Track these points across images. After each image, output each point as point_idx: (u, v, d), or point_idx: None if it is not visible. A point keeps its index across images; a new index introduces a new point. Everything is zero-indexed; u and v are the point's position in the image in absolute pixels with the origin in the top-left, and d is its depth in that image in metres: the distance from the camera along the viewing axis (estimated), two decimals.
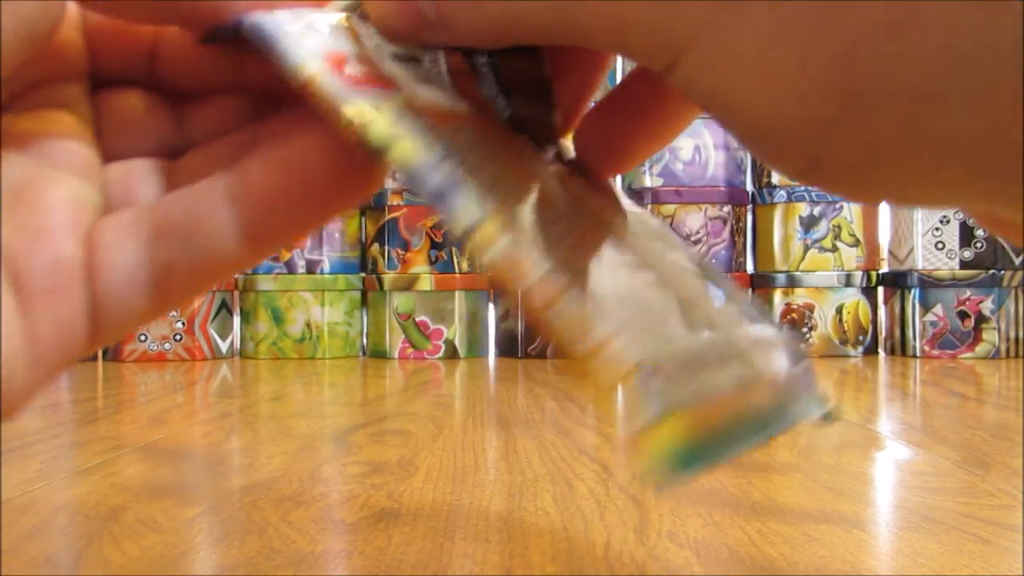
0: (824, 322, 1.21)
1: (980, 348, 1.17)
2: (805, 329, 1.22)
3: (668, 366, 0.13)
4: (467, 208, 0.13)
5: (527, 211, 0.14)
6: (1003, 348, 1.17)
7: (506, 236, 0.13)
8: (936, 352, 1.18)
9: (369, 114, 0.14)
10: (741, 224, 1.25)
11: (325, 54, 0.16)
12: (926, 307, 1.19)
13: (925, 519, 0.33)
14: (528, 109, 0.18)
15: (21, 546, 0.30)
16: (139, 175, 0.18)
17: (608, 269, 0.14)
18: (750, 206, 1.28)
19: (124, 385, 0.89)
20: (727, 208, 1.23)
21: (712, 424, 0.12)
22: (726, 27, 0.14)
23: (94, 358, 1.21)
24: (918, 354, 1.19)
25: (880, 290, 1.26)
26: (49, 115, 0.18)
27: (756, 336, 0.15)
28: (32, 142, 0.17)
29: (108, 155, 0.19)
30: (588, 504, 0.35)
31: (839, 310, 1.21)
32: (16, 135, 0.17)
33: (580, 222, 0.15)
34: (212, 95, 0.19)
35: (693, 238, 1.21)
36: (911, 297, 1.20)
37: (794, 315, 1.22)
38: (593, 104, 0.21)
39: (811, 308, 1.22)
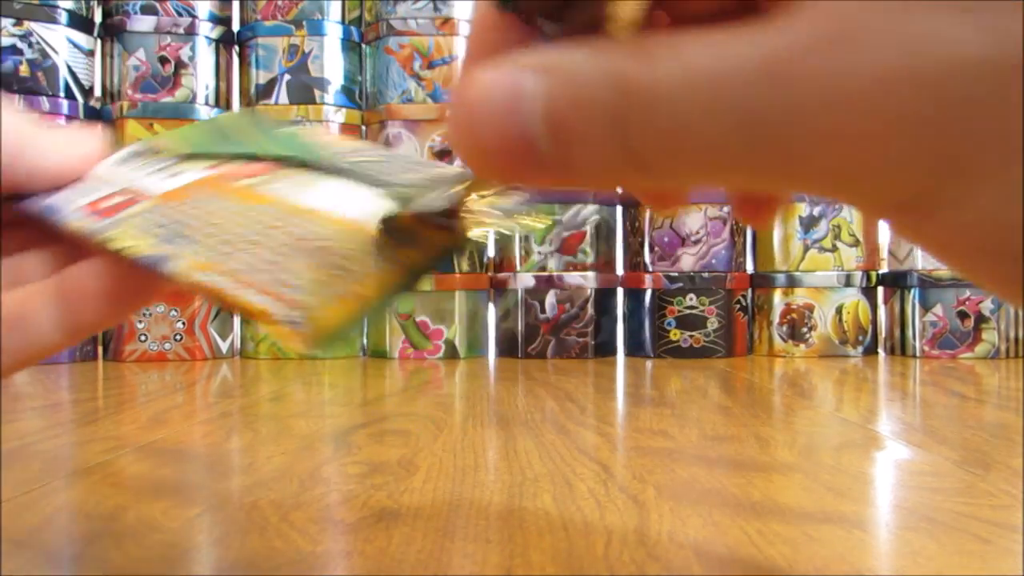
0: (824, 322, 1.21)
1: (980, 348, 1.17)
2: (805, 329, 1.22)
3: (296, 303, 0.20)
4: (169, 267, 0.21)
5: (211, 250, 0.21)
6: (1003, 348, 1.17)
7: (197, 276, 0.21)
8: (936, 352, 1.18)
9: (109, 235, 0.22)
10: (741, 224, 1.25)
11: (87, 207, 0.23)
12: (926, 307, 1.19)
13: (925, 519, 0.33)
14: None
15: (21, 546, 0.30)
16: None
17: (256, 254, 0.21)
18: None
19: (124, 385, 0.89)
20: (727, 208, 1.22)
21: (340, 316, 0.20)
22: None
23: (94, 358, 1.21)
24: (918, 354, 1.19)
25: (880, 290, 1.26)
26: None
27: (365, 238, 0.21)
28: None
29: None
30: (588, 504, 0.35)
31: (839, 310, 1.21)
32: None
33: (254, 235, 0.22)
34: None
35: (693, 238, 1.21)
36: (911, 297, 1.20)
37: (794, 315, 1.22)
38: None
39: (811, 308, 1.22)
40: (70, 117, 1.15)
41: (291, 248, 0.21)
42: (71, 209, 0.23)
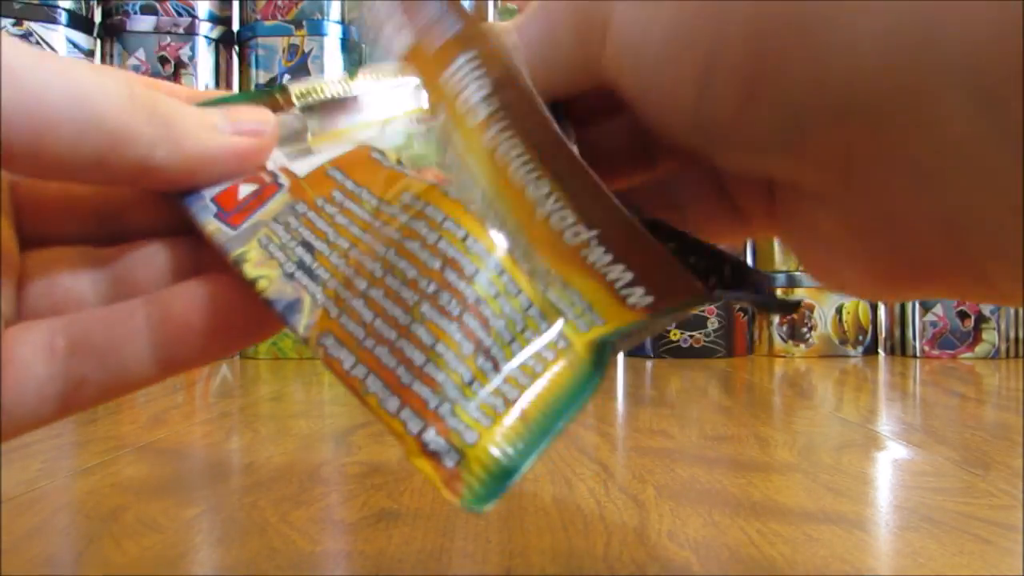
0: (824, 322, 1.21)
1: (980, 348, 1.17)
2: (805, 329, 1.22)
3: (447, 426, 0.15)
4: (299, 325, 0.17)
5: (347, 314, 0.17)
6: (1003, 348, 1.17)
7: (324, 343, 0.16)
8: (936, 352, 1.18)
9: (241, 257, 0.18)
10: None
11: (222, 198, 0.19)
12: (926, 307, 1.19)
13: (925, 519, 0.33)
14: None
15: (21, 546, 0.30)
16: (65, 276, 0.18)
17: (408, 353, 0.16)
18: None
19: None
20: None
21: (498, 454, 0.14)
22: (634, 17, 0.16)
23: None
24: (918, 354, 1.19)
25: None
26: None
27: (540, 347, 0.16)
28: None
29: (30, 242, 0.19)
30: (588, 504, 0.35)
31: (839, 310, 1.21)
32: None
33: (404, 312, 0.16)
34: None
35: None
36: None
37: (794, 315, 1.22)
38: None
39: (811, 308, 1.22)
40: None
41: (453, 321, 0.16)
42: (207, 200, 0.19)
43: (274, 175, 0.19)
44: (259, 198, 0.19)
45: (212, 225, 0.18)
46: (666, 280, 0.16)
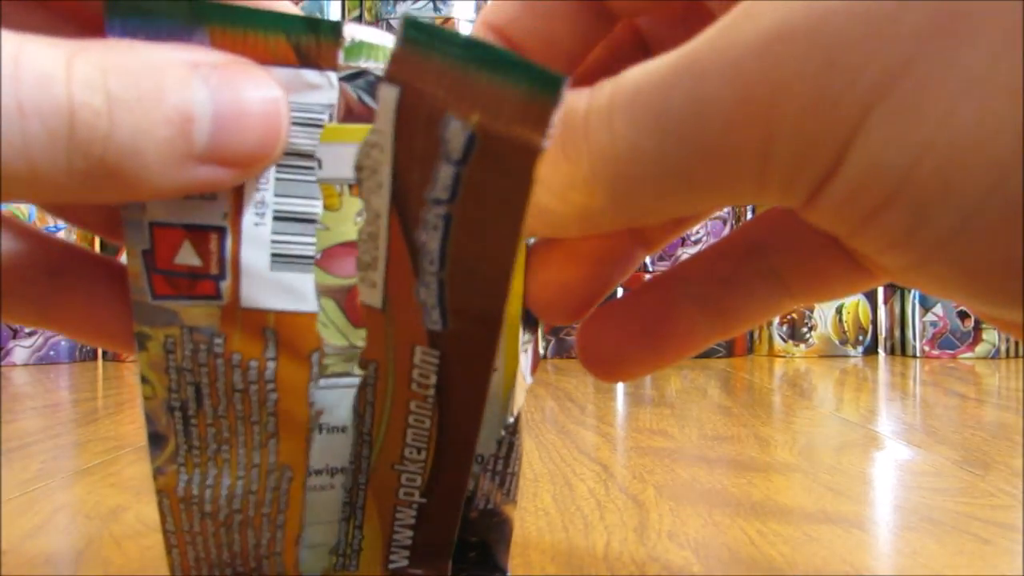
0: (824, 322, 1.21)
1: (980, 348, 1.17)
2: (805, 329, 1.22)
3: None
4: (155, 459, 0.18)
5: (185, 509, 0.18)
6: (1003, 348, 1.17)
7: (161, 497, 0.18)
8: (936, 352, 1.18)
9: (143, 337, 0.17)
10: (741, 224, 1.25)
11: (156, 235, 0.16)
12: (926, 307, 1.19)
13: (925, 519, 0.33)
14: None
15: (21, 546, 0.30)
16: None
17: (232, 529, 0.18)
18: (750, 206, 1.28)
19: (124, 385, 0.89)
20: (727, 208, 1.23)
21: None
22: (951, 44, 0.11)
23: (94, 358, 1.21)
24: (918, 354, 1.19)
25: (880, 290, 1.26)
26: None
27: None
28: None
29: None
30: (588, 504, 0.35)
31: (839, 310, 1.21)
32: None
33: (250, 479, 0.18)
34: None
35: (693, 238, 1.21)
36: (911, 297, 1.20)
37: (794, 315, 1.22)
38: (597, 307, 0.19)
39: (811, 308, 1.22)
40: None
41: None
42: (145, 222, 0.16)
43: (222, 262, 0.16)
44: (191, 284, 0.16)
45: (136, 264, 0.16)
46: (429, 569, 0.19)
